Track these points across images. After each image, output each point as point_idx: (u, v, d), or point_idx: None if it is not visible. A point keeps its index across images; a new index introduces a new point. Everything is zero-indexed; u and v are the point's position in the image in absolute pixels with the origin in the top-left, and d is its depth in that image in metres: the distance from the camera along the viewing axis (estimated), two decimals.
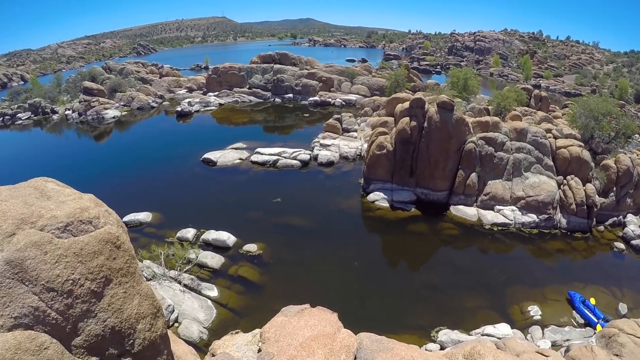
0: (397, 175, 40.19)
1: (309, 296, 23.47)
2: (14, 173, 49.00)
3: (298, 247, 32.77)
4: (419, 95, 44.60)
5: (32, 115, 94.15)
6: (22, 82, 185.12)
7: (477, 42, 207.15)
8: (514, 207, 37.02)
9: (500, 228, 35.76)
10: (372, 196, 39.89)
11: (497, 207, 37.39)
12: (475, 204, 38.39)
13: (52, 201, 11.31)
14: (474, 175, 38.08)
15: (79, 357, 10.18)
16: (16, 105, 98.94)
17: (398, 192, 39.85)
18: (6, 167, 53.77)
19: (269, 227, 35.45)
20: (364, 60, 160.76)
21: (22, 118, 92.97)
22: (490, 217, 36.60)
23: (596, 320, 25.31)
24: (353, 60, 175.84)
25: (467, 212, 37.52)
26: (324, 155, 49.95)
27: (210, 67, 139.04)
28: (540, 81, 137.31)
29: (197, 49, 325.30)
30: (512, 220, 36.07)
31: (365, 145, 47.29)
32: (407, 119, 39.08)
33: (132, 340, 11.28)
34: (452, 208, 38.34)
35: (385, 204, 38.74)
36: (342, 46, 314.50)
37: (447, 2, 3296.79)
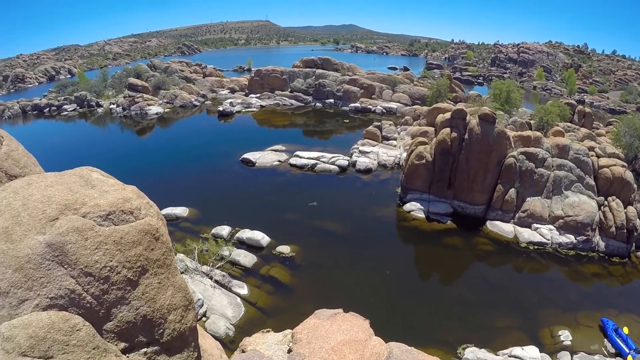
0: (435, 186, 39.65)
1: (338, 301, 23.38)
2: (59, 161, 50.47)
3: (331, 252, 32.71)
4: (460, 106, 43.98)
5: (78, 108, 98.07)
6: (70, 76, 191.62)
7: (521, 54, 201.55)
8: (551, 227, 36.00)
9: (536, 247, 34.71)
10: (408, 206, 39.46)
11: (535, 225, 36.40)
12: (512, 220, 37.42)
13: (96, 190, 11.60)
14: (512, 191, 37.25)
15: (108, 341, 10.41)
16: (63, 97, 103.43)
17: (435, 204, 39.35)
18: (52, 155, 55.46)
19: (303, 230, 35.56)
20: (405, 69, 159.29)
21: (68, 109, 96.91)
22: (526, 235, 35.65)
23: (628, 351, 24.19)
24: (395, 68, 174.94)
25: (504, 228, 36.64)
26: (362, 162, 49.76)
27: (252, 69, 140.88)
28: (584, 96, 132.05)
29: (241, 51, 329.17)
30: (549, 240, 35.02)
31: (404, 154, 46.92)
32: (447, 129, 38.59)
33: (161, 330, 11.46)
34: (488, 223, 37.49)
35: (421, 215, 38.26)
36: (385, 53, 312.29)
37: (491, 12, 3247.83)
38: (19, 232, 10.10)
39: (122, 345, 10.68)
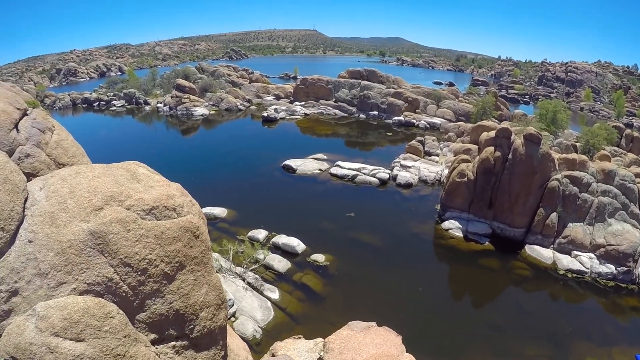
0: (475, 205, 38.87)
1: (368, 314, 23.20)
2: (105, 153, 51.78)
3: (365, 264, 32.46)
4: (505, 125, 43.20)
5: (126, 104, 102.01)
6: (120, 73, 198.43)
7: (569, 73, 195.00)
8: (592, 255, 34.61)
9: (574, 275, 33.31)
10: (446, 224, 38.78)
11: (575, 252, 35.07)
12: (552, 246, 36.18)
13: (142, 184, 11.87)
14: (554, 215, 36.19)
15: (140, 331, 10.60)
16: (112, 93, 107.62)
17: (474, 224, 38.57)
18: (98, 146, 57.17)
19: (338, 240, 35.41)
20: (451, 84, 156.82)
21: (117, 105, 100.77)
22: (565, 262, 34.41)
23: None
24: (440, 83, 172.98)
25: (543, 253, 35.49)
26: (403, 176, 49.32)
27: (298, 77, 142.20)
28: (633, 120, 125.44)
29: (287, 58, 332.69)
30: (588, 269, 33.59)
31: (446, 171, 46.29)
32: (491, 148, 37.87)
33: (192, 326, 11.62)
34: (527, 247, 36.30)
35: (459, 234, 37.54)
36: (430, 68, 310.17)
37: (539, 29, 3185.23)
38: (64, 217, 10.40)
39: (152, 336, 10.91)
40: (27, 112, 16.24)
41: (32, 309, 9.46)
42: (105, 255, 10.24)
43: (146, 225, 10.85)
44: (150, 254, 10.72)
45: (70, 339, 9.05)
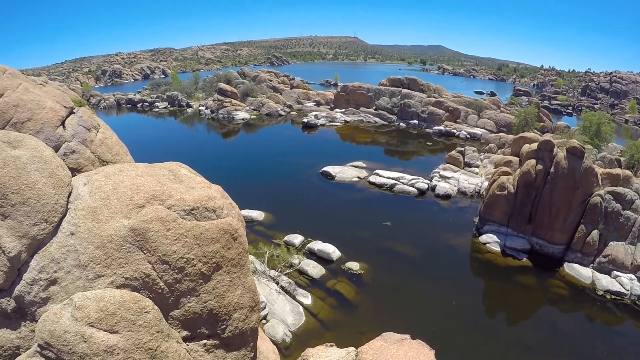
0: (514, 220, 37.86)
1: (400, 325, 22.91)
2: (147, 153, 53.08)
3: (399, 275, 32.03)
4: (547, 137, 42.11)
5: (169, 106, 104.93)
6: (163, 76, 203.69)
7: (613, 84, 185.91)
8: (632, 276, 32.94)
9: (613, 297, 31.66)
10: (484, 237, 37.91)
11: (615, 272, 33.51)
12: (591, 264, 34.64)
13: (183, 185, 12.07)
14: (595, 233, 34.84)
15: (172, 328, 10.74)
16: (155, 95, 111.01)
17: (512, 238, 37.58)
18: (141, 146, 58.45)
19: (374, 249, 35.10)
20: (492, 94, 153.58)
21: (160, 107, 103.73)
22: (605, 282, 32.94)
23: None
24: (481, 93, 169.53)
25: (581, 272, 34.04)
26: (442, 187, 48.57)
27: (339, 84, 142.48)
28: None
29: (328, 65, 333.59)
30: (628, 291, 31.94)
31: (486, 183, 45.41)
32: (533, 161, 36.87)
33: (224, 326, 11.72)
34: (566, 265, 34.87)
35: (497, 249, 36.59)
36: (471, 77, 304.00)
37: (583, 38, 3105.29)
38: (106, 213, 10.64)
39: (185, 333, 11.09)
40: (74, 111, 16.71)
41: (69, 299, 9.72)
42: (144, 251, 10.43)
43: (186, 225, 11.01)
44: (188, 253, 10.86)
45: (104, 330, 9.25)
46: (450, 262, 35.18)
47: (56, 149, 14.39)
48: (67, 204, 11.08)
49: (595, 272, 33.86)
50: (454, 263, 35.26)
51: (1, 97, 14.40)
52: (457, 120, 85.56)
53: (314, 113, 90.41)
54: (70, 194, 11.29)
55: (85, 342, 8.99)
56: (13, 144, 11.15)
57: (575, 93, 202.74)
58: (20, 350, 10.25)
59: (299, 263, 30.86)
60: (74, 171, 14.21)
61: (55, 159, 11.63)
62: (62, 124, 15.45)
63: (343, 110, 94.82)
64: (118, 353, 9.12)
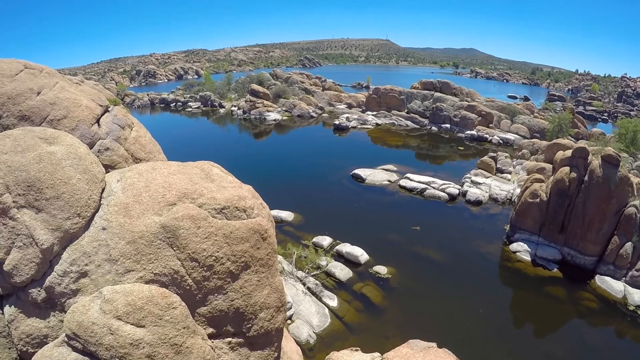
0: (546, 228, 36.93)
1: (425, 331, 22.66)
2: (179, 151, 54.00)
3: (426, 280, 31.68)
4: (582, 144, 41.08)
5: (202, 106, 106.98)
6: (196, 77, 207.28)
7: None
8: None
9: None
10: (514, 246, 37.10)
11: None
12: (623, 278, 33.29)
13: (215, 184, 12.19)
14: (629, 245, 33.59)
15: (198, 324, 10.87)
16: (188, 95, 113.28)
17: (543, 248, 36.68)
18: (173, 144, 59.32)
19: (402, 253, 34.81)
20: (526, 98, 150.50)
21: (192, 106, 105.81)
22: (637, 297, 31.44)
23: None
24: (515, 97, 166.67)
25: (613, 286, 32.75)
26: (473, 193, 47.89)
27: (371, 86, 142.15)
28: None
29: (360, 67, 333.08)
30: None
31: (518, 190, 44.59)
32: (566, 168, 35.94)
33: (250, 325, 11.81)
34: (597, 278, 33.58)
35: (527, 258, 35.72)
36: (505, 81, 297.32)
37: (619, 41, 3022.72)
38: (138, 209, 10.81)
39: (210, 330, 11.24)
40: (109, 109, 17.06)
41: (98, 292, 9.95)
42: (174, 248, 10.57)
43: (216, 223, 11.13)
44: (218, 252, 10.99)
45: (132, 324, 9.43)
46: (479, 269, 34.61)
47: (91, 146, 14.68)
48: (100, 200, 11.32)
49: (627, 286, 32.68)
50: (483, 271, 34.67)
51: (38, 95, 14.79)
52: (490, 125, 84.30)
53: (346, 115, 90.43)
54: (103, 190, 11.54)
55: (112, 334, 9.18)
56: (49, 140, 11.44)
57: (611, 99, 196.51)
58: (48, 339, 10.54)
59: (327, 265, 30.83)
60: (108, 168, 14.49)
61: (89, 155, 11.88)
62: (97, 121, 15.77)
63: (375, 113, 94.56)
64: (144, 347, 9.28)
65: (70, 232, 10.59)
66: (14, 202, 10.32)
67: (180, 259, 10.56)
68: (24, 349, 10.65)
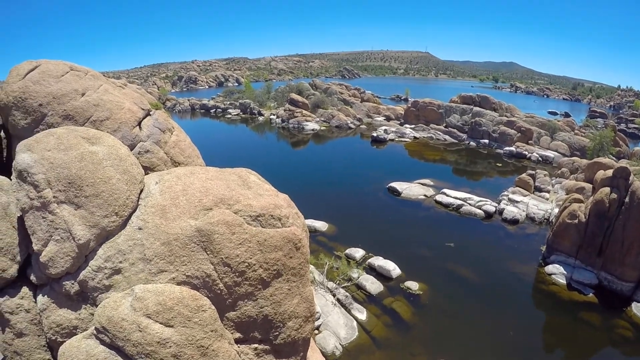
0: (583, 251, 35.58)
1: (453, 351, 22.28)
2: (218, 156, 55.22)
3: (458, 299, 31.06)
4: (623, 163, 39.80)
5: (241, 113, 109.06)
6: (237, 84, 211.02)
7: None
8: None
9: None
10: (550, 268, 35.95)
11: None
12: None
13: (252, 191, 12.31)
14: None
15: (226, 328, 10.96)
16: (228, 102, 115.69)
17: (579, 271, 35.39)
18: (212, 150, 60.10)
19: (435, 270, 34.31)
20: (567, 115, 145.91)
21: (232, 113, 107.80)
22: None
23: None
24: (555, 113, 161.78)
25: None
26: (510, 211, 46.87)
27: (409, 99, 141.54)
28: None
29: (399, 80, 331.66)
30: None
31: (556, 210, 43.39)
32: (607, 189, 34.62)
33: (277, 333, 11.88)
34: (634, 305, 31.91)
35: (562, 281, 34.49)
36: (545, 96, 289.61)
37: None
38: (174, 212, 11.01)
39: (237, 335, 11.35)
40: (150, 113, 17.42)
41: (130, 289, 10.17)
42: (208, 252, 10.71)
43: (251, 230, 11.23)
44: (251, 258, 11.08)
45: (160, 323, 9.59)
46: (512, 290, 33.75)
47: (131, 147, 15.01)
48: (138, 200, 11.60)
49: None
50: (516, 292, 33.78)
51: (83, 96, 15.24)
52: (529, 142, 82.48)
53: (384, 127, 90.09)
54: (141, 191, 11.82)
55: (140, 331, 9.36)
56: (91, 140, 11.78)
57: None
58: (78, 330, 10.87)
59: (358, 277, 30.64)
60: (147, 170, 14.79)
61: (130, 156, 12.16)
62: (139, 124, 16.12)
63: (413, 126, 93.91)
64: (170, 346, 9.42)
65: (107, 229, 10.92)
66: (54, 197, 10.75)
67: (213, 263, 10.69)
68: (53, 338, 11.04)
